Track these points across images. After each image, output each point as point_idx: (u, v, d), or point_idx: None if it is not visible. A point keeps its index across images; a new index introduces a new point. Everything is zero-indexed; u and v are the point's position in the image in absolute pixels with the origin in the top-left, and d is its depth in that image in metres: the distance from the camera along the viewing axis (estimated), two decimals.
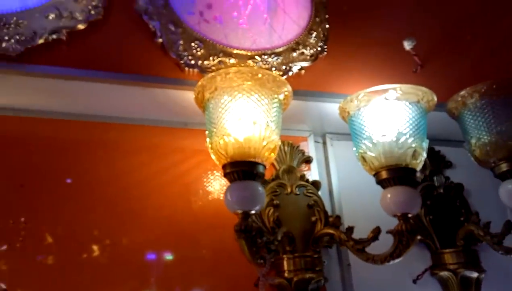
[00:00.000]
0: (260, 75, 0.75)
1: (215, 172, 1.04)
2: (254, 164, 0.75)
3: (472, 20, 1.17)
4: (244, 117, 0.74)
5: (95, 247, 0.88)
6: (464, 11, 1.21)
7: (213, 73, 0.76)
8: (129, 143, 1.00)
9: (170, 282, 0.90)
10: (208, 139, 0.80)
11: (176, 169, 1.01)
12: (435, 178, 1.13)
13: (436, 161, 1.15)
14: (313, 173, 1.08)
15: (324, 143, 1.14)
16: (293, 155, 1.06)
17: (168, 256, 0.92)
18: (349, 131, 1.14)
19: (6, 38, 0.78)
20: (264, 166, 0.77)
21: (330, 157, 1.11)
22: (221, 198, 1.01)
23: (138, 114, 1.01)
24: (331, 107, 1.04)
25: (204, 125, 1.04)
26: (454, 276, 0.98)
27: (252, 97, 0.75)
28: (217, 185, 1.03)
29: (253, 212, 0.75)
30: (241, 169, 0.74)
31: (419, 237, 0.80)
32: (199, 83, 0.78)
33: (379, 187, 1.07)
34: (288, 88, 0.80)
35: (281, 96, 0.80)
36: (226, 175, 0.77)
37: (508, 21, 1.19)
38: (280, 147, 1.06)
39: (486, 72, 1.11)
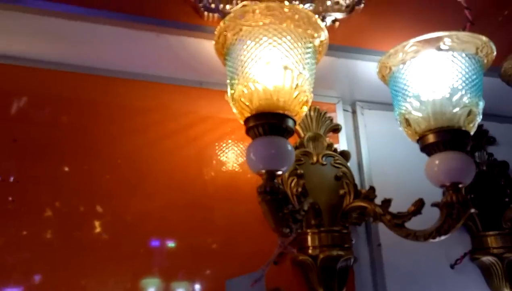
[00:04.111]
0: (294, 14, 0.64)
1: (230, 140, 0.93)
2: (284, 117, 0.64)
3: None
4: (274, 61, 0.63)
5: (99, 209, 0.79)
6: None
7: (237, 10, 0.65)
8: (138, 101, 0.90)
9: (179, 253, 0.80)
10: (229, 90, 0.69)
11: (188, 132, 0.91)
12: (476, 154, 1.01)
13: (478, 136, 1.03)
14: (341, 144, 0.97)
15: (354, 112, 1.03)
16: (320, 121, 0.95)
17: (179, 226, 0.82)
18: (381, 100, 1.04)
19: None
20: (295, 121, 0.66)
21: (360, 127, 1.00)
22: (237, 168, 0.91)
23: (149, 69, 0.90)
24: (363, 69, 0.93)
25: (220, 86, 0.94)
26: (499, 262, 0.87)
27: (284, 39, 0.64)
28: (232, 152, 0.93)
29: (279, 172, 0.64)
30: (268, 122, 0.63)
31: (472, 210, 0.68)
32: (221, 24, 0.67)
33: (414, 161, 0.96)
34: (325, 34, 0.68)
35: (317, 42, 0.68)
36: (249, 130, 0.66)
37: None
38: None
39: None
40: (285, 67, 0.63)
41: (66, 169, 0.81)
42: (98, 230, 0.78)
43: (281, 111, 0.64)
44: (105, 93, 0.89)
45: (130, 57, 0.86)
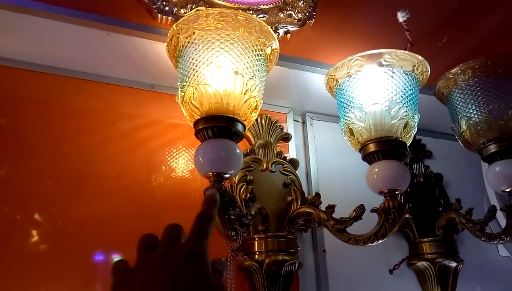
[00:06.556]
0: (246, 21, 0.66)
1: (181, 146, 0.92)
2: (233, 121, 0.65)
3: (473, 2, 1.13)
4: (225, 66, 0.64)
5: (37, 218, 0.74)
6: None
7: (191, 14, 0.65)
8: (84, 101, 0.87)
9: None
10: (179, 93, 0.69)
11: (137, 135, 0.89)
12: (414, 166, 1.09)
13: (416, 149, 1.11)
14: (290, 152, 1.00)
15: (304, 122, 1.06)
16: (270, 130, 0.97)
17: (124, 235, 0.78)
18: (329, 112, 1.09)
19: None
20: (244, 126, 0.67)
21: (309, 137, 1.04)
22: (187, 174, 0.90)
23: (97, 69, 0.87)
24: (313, 81, 0.97)
25: (172, 89, 0.93)
26: (432, 266, 0.93)
27: (235, 45, 0.65)
28: (182, 158, 0.92)
29: (227, 175, 0.64)
30: (217, 125, 0.64)
31: (407, 215, 0.73)
32: (174, 26, 0.67)
33: (358, 172, 1.00)
34: (276, 43, 0.71)
35: (268, 50, 0.71)
36: (197, 133, 0.66)
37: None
38: (257, 120, 0.97)
39: None
40: (236, 72, 0.64)
41: (1, 172, 0.75)
42: (35, 239, 0.72)
43: (231, 115, 0.65)
44: (47, 91, 0.84)
45: (77, 55, 0.83)
